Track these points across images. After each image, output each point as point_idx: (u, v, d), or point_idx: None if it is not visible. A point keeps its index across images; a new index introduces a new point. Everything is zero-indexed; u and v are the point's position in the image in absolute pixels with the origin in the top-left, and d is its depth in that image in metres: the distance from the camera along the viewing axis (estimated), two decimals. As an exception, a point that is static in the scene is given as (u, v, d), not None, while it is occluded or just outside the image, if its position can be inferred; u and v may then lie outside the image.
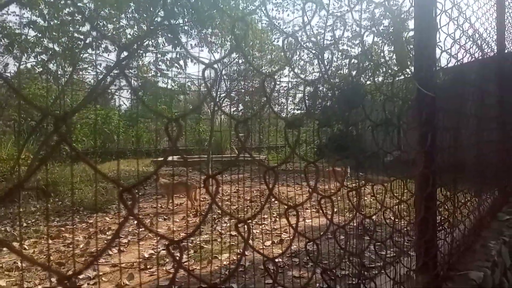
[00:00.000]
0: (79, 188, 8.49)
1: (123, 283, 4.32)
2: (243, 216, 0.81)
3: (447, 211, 2.00)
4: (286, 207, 0.98)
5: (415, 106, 1.57)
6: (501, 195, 3.32)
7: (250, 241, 0.84)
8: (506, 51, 3.84)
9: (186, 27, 8.83)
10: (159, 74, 9.81)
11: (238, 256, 4.93)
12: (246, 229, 0.83)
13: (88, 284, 4.36)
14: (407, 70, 1.50)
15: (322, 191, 1.06)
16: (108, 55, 9.23)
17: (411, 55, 1.65)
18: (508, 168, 3.53)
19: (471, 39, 2.38)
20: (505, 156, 3.40)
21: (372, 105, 1.53)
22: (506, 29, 3.81)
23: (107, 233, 6.29)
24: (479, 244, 2.46)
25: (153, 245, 5.50)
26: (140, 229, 6.34)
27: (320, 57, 1.44)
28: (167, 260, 4.86)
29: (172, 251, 0.71)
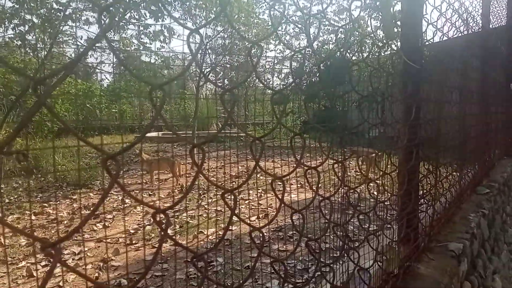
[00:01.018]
0: (62, 164, 8.38)
1: (109, 257, 4.34)
2: (230, 187, 0.80)
3: (429, 184, 2.03)
4: (272, 179, 0.98)
5: (400, 79, 1.57)
6: (481, 169, 3.39)
7: (236, 213, 0.84)
8: (490, 25, 3.85)
9: (169, -1, 8.60)
10: (142, 48, 9.59)
11: (224, 229, 4.98)
12: (232, 199, 0.83)
13: (73, 259, 4.36)
14: (393, 44, 1.48)
15: (308, 165, 1.06)
16: (89, 28, 8.96)
17: (398, 28, 1.63)
18: (488, 142, 3.60)
19: (457, 13, 2.37)
20: (486, 130, 3.46)
21: (358, 80, 1.51)
22: (492, 3, 3.81)
23: (91, 209, 6.26)
24: (459, 217, 2.53)
25: (138, 220, 5.51)
26: (125, 205, 6.33)
27: (305, 29, 1.41)
28: (153, 235, 4.88)
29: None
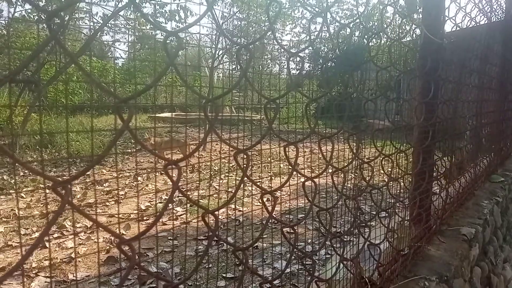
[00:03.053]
0: (76, 140, 8.48)
1: (120, 232, 4.41)
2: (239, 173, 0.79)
3: (444, 167, 2.00)
4: (284, 144, 0.96)
5: (420, 54, 1.53)
6: (497, 157, 3.32)
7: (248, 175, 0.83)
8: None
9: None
10: (156, 28, 9.55)
11: (234, 211, 5.01)
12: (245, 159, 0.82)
13: (85, 232, 4.44)
14: (415, 17, 1.44)
15: (323, 135, 1.04)
16: (106, 4, 8.94)
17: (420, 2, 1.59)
18: (504, 131, 3.53)
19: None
20: (503, 118, 3.39)
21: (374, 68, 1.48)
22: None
23: (104, 185, 6.34)
24: (472, 202, 2.49)
25: (150, 197, 5.56)
26: (138, 182, 6.41)
27: (323, 15, 1.38)
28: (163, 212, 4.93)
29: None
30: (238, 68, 0.96)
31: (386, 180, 1.45)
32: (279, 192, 5.74)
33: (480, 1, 2.40)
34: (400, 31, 1.67)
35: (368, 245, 1.31)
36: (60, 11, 0.50)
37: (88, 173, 6.85)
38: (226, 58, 11.66)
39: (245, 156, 0.80)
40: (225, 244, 4.08)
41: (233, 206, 5.15)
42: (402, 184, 1.59)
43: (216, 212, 0.82)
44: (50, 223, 0.52)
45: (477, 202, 2.53)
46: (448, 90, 2.03)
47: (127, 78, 10.99)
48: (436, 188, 1.97)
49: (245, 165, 0.81)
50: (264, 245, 4.05)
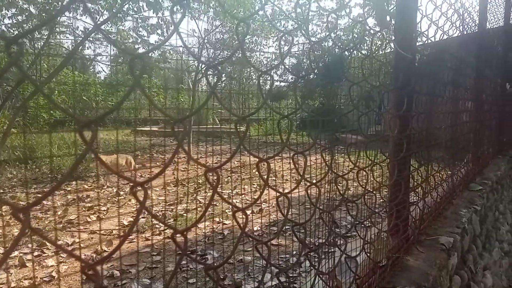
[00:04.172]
0: (57, 155, 8.35)
1: (101, 249, 4.33)
2: (226, 181, 0.79)
3: (421, 177, 2.03)
4: (257, 160, 0.97)
5: (392, 69, 1.56)
6: (475, 166, 3.39)
7: (218, 191, 0.84)
8: (488, 25, 3.84)
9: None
10: (139, 41, 9.55)
11: (218, 224, 4.98)
12: (215, 177, 0.82)
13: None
14: (386, 33, 1.48)
15: (295, 150, 1.06)
16: (86, 18, 8.89)
17: (391, 18, 1.63)
18: (481, 140, 3.61)
19: (452, 7, 2.36)
20: (480, 128, 3.47)
21: (356, 78, 1.51)
22: (489, 1, 3.81)
23: (86, 200, 6.24)
24: (450, 212, 2.53)
25: (132, 212, 5.49)
26: (119, 197, 6.32)
27: (304, 27, 1.41)
28: (146, 227, 4.87)
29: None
30: (210, 84, 0.97)
31: (366, 191, 1.46)
32: (264, 204, 5.73)
33: (453, 14, 2.47)
34: (374, 46, 1.72)
35: (345, 258, 1.32)
36: (19, 38, 0.50)
37: (69, 189, 6.73)
38: (210, 70, 11.69)
39: (227, 171, 0.80)
40: (210, 258, 4.05)
41: (217, 219, 5.13)
42: (378, 196, 1.60)
43: (204, 224, 0.82)
44: (8, 250, 0.52)
45: (456, 211, 2.57)
46: (422, 102, 2.08)
47: (109, 91, 10.91)
48: (414, 198, 2.00)
49: (215, 182, 0.81)
50: (249, 258, 4.03)
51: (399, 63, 1.55)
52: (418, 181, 2.00)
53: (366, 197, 1.44)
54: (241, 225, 0.89)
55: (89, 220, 5.32)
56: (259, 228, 4.86)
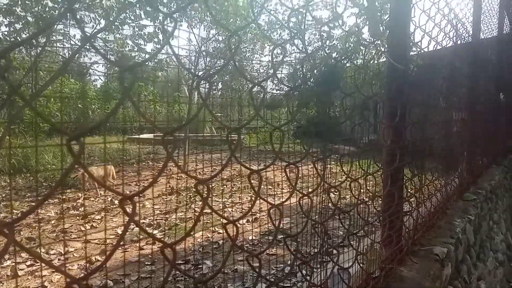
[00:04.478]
0: (52, 164, 8.31)
1: (95, 258, 4.29)
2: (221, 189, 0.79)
3: (414, 187, 2.03)
4: (249, 172, 0.97)
5: (386, 79, 1.57)
6: (469, 176, 3.40)
7: (208, 203, 0.84)
8: (482, 35, 3.88)
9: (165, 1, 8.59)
10: (136, 49, 9.55)
11: (213, 233, 4.96)
12: (206, 189, 0.82)
13: (59, 259, 4.31)
14: (379, 43, 1.49)
15: (287, 161, 1.05)
16: (83, 26, 8.86)
17: (384, 28, 1.64)
18: (476, 150, 3.62)
19: (446, 18, 2.38)
20: (474, 138, 3.48)
21: (350, 87, 1.53)
22: (483, 12, 3.85)
23: (80, 209, 6.20)
24: (444, 221, 2.53)
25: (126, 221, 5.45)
26: (114, 206, 6.28)
27: (301, 36, 1.42)
28: (141, 236, 4.84)
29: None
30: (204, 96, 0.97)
31: (359, 202, 1.46)
32: (260, 213, 5.71)
33: (446, 25, 2.49)
34: (369, 55, 1.73)
35: (338, 269, 1.31)
36: (6, 53, 0.50)
37: (63, 197, 6.69)
38: (202, 81, 11.71)
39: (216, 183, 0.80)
40: (204, 268, 4.02)
41: (213, 228, 5.10)
42: (372, 206, 1.60)
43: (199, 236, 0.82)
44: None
45: (450, 221, 2.57)
46: (416, 112, 2.09)
47: (106, 99, 10.91)
48: (408, 208, 2.00)
49: (206, 194, 0.81)
50: (243, 268, 4.00)
51: (392, 74, 1.56)
52: (412, 191, 2.00)
53: (360, 207, 1.43)
54: (232, 237, 0.88)
55: (83, 229, 5.28)
56: (254, 238, 4.84)
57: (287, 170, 1.06)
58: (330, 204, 1.23)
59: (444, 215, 2.60)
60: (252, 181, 0.99)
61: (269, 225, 5.20)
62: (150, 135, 11.89)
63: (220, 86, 12.26)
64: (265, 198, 1.02)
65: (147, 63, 10.10)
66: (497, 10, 5.16)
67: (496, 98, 5.05)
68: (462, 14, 3.05)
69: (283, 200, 1.02)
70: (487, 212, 3.45)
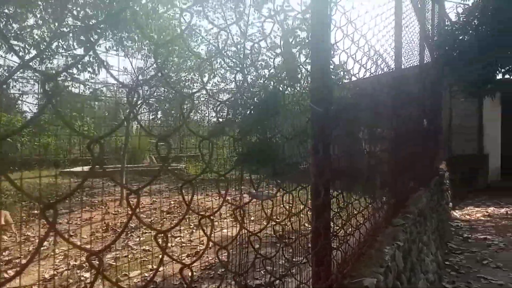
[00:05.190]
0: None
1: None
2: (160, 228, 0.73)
3: (342, 220, 2.06)
4: (200, 216, 0.92)
5: (310, 118, 1.61)
6: (397, 201, 3.55)
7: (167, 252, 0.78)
8: (402, 66, 4.15)
9: (99, 30, 8.39)
10: (69, 79, 9.18)
11: (151, 272, 4.72)
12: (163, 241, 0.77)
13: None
14: (298, 86, 1.52)
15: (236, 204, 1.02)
16: (12, 56, 8.41)
17: (305, 70, 1.68)
18: (403, 175, 3.80)
19: (366, 55, 2.51)
20: (401, 164, 3.66)
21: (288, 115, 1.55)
22: (403, 46, 4.13)
23: (4, 254, 5.68)
24: (375, 250, 2.59)
25: (56, 265, 5.06)
26: (42, 247, 5.82)
27: (240, 65, 1.42)
28: (71, 280, 4.50)
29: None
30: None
31: (280, 245, 1.44)
32: (199, 245, 5.56)
33: (367, 62, 2.63)
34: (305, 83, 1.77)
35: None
36: None
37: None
38: (144, 108, 11.49)
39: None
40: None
41: (150, 266, 4.87)
42: (299, 244, 1.60)
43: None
44: None
45: (380, 248, 2.64)
46: (341, 147, 2.15)
47: (36, 131, 10.27)
48: (337, 242, 2.02)
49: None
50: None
51: (313, 116, 1.60)
52: (340, 223, 2.03)
53: (284, 249, 1.42)
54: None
55: (6, 275, 4.81)
56: (195, 273, 4.68)
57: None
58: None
59: (374, 243, 2.67)
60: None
61: (210, 258, 5.07)
62: (86, 168, 11.32)
63: (159, 114, 12.05)
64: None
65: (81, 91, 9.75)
66: (417, 42, 5.58)
67: (421, 124, 5.40)
68: (383, 49, 3.24)
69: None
70: (416, 235, 3.60)
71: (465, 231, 7.56)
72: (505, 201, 10.62)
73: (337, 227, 1.98)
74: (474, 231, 7.52)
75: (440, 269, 4.54)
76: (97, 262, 0.73)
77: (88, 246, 5.64)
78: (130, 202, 0.84)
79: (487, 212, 9.42)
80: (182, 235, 6.15)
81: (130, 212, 0.81)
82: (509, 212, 9.19)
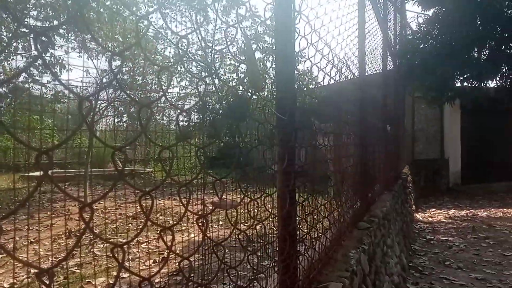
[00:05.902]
0: None
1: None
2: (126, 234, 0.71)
3: (308, 226, 2.09)
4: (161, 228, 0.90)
5: (275, 126, 1.62)
6: (363, 205, 3.63)
7: (127, 264, 0.75)
8: (366, 74, 4.26)
9: (61, 31, 8.16)
10: (30, 80, 8.84)
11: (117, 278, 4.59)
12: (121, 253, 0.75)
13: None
14: (260, 94, 1.53)
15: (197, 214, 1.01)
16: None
17: (268, 79, 1.69)
18: (368, 179, 3.90)
19: (330, 63, 2.56)
20: (366, 169, 3.74)
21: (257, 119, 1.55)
22: (366, 54, 4.24)
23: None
24: (341, 254, 2.63)
25: (16, 272, 4.85)
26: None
27: (208, 69, 1.40)
28: (31, 289, 4.31)
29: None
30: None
31: (245, 254, 1.44)
32: (165, 251, 5.46)
33: (331, 69, 2.68)
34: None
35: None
36: None
37: None
38: (109, 111, 11.22)
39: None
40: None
41: (115, 273, 4.74)
42: (264, 252, 1.60)
43: None
44: None
45: (346, 252, 2.69)
46: (307, 152, 2.18)
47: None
48: (303, 248, 2.04)
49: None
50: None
51: (279, 122, 1.61)
52: (306, 229, 2.06)
53: (248, 257, 1.42)
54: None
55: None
56: (160, 279, 4.60)
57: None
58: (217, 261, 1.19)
59: (340, 247, 2.72)
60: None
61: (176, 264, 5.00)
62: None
63: (125, 118, 11.79)
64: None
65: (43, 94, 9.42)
66: (380, 51, 5.75)
67: (384, 130, 5.55)
68: (347, 57, 3.31)
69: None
70: (380, 238, 3.69)
71: (428, 233, 7.82)
72: (465, 204, 11.11)
73: (304, 233, 2.00)
74: (437, 233, 7.80)
75: (405, 271, 4.67)
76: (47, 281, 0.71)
77: (49, 253, 5.45)
78: (84, 215, 0.81)
79: (448, 214, 9.80)
80: (148, 240, 6.03)
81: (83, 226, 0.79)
82: (469, 214, 9.60)
